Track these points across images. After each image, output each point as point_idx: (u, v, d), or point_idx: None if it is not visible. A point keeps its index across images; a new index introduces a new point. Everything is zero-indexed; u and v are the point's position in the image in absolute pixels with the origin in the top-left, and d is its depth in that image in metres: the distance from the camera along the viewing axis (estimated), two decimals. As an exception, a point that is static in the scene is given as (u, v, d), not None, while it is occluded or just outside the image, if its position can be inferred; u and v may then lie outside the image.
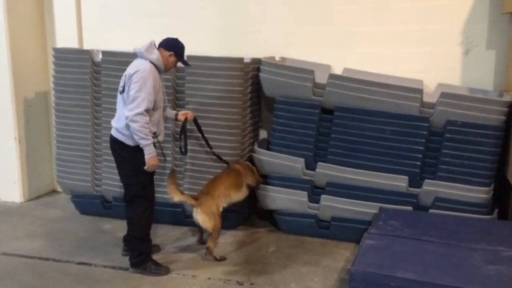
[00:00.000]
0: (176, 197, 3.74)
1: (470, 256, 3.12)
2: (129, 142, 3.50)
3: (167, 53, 3.55)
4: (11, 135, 5.15)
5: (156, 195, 3.84)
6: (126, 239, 3.73)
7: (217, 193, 3.88)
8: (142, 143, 3.41)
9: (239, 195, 4.09)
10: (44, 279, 3.55)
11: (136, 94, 3.35)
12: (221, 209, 3.84)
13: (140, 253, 3.61)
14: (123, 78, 3.53)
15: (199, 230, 4.04)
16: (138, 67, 3.42)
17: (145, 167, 3.48)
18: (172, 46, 3.58)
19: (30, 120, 5.30)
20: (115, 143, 3.59)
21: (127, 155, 3.54)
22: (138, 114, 3.34)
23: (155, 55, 3.48)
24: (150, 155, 3.46)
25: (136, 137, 3.41)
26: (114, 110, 4.40)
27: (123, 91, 3.50)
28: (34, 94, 5.34)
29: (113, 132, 3.60)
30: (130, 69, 3.48)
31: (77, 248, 4.07)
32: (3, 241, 4.23)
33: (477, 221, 3.75)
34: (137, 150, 3.49)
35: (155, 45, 3.56)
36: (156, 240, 4.19)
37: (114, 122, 3.61)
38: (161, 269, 3.61)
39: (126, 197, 3.70)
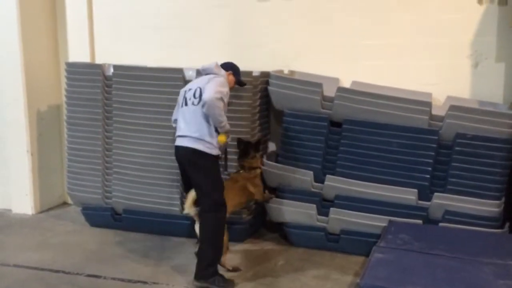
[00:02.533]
0: (187, 209, 3.75)
1: (480, 271, 3.09)
2: (211, 152, 3.54)
3: (226, 73, 3.75)
4: (23, 147, 5.22)
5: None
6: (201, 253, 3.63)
7: None
8: (223, 124, 3.53)
9: (241, 206, 4.15)
10: (54, 291, 3.58)
11: (216, 87, 3.46)
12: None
13: (209, 265, 3.53)
14: (195, 90, 3.58)
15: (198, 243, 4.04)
16: (214, 77, 3.59)
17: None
18: (229, 66, 3.82)
19: (43, 133, 5.38)
20: (193, 153, 3.54)
21: (209, 164, 3.57)
22: (219, 99, 3.44)
23: (223, 72, 3.68)
24: (227, 128, 3.60)
25: (217, 120, 3.49)
26: (125, 123, 4.52)
27: (198, 102, 3.54)
28: (46, 107, 5.42)
29: (190, 143, 3.54)
30: (203, 81, 3.60)
31: (87, 260, 4.09)
32: (14, 252, 4.27)
33: (488, 235, 3.71)
34: (216, 159, 3.61)
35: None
36: (166, 252, 4.21)
37: (192, 133, 3.56)
38: (227, 284, 3.55)
39: (208, 207, 3.57)
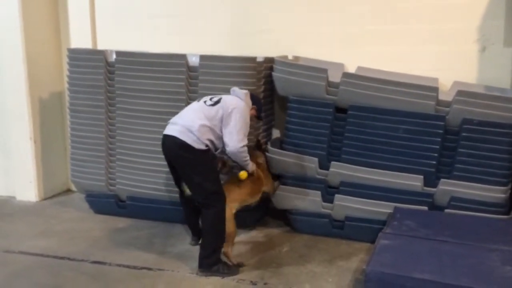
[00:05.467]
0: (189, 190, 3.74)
1: (487, 257, 3.07)
2: (199, 146, 3.48)
3: (251, 106, 3.79)
4: (26, 135, 5.21)
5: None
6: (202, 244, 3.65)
7: (233, 198, 3.76)
8: (248, 165, 3.75)
9: (254, 199, 4.04)
10: (59, 278, 3.58)
11: (240, 128, 3.55)
12: (234, 211, 3.80)
13: (212, 253, 3.54)
14: (216, 100, 3.62)
15: None
16: (239, 104, 3.61)
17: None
18: (255, 101, 3.83)
19: (45, 120, 5.36)
20: (180, 147, 3.48)
21: (197, 157, 3.51)
22: (244, 145, 3.59)
23: (249, 103, 3.73)
24: (252, 168, 3.82)
25: (242, 164, 3.71)
26: (128, 109, 4.49)
27: (213, 104, 3.60)
28: (49, 94, 5.39)
29: (178, 134, 3.49)
30: (227, 104, 3.59)
31: (92, 247, 4.10)
32: (19, 239, 4.28)
33: (494, 221, 3.69)
34: (204, 152, 3.53)
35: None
36: (171, 239, 4.21)
37: (184, 121, 3.54)
38: (231, 271, 3.57)
39: (203, 200, 3.55)
